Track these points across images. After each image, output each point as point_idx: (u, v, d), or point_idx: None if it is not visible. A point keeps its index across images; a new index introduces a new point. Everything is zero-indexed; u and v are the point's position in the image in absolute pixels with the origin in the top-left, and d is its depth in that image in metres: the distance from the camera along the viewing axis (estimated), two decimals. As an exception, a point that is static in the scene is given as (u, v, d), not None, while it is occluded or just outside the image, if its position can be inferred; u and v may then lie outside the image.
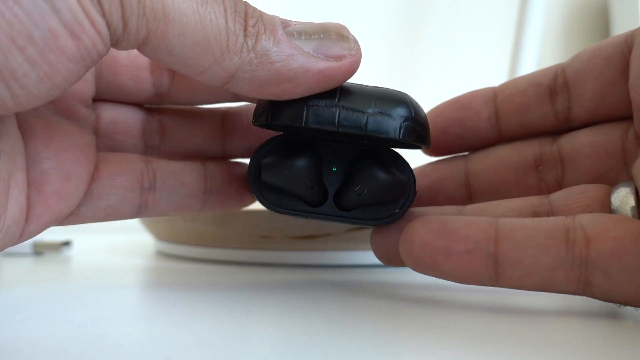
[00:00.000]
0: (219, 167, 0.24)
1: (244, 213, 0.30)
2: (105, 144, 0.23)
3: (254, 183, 0.21)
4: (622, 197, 0.19)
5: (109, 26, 0.16)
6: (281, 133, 0.21)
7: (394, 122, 0.19)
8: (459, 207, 0.23)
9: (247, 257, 0.30)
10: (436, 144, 0.25)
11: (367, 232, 0.28)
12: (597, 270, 0.17)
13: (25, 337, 0.16)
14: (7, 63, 0.15)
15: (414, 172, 0.21)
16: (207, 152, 0.25)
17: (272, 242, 0.29)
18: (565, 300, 0.21)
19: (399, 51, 0.59)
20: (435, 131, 0.25)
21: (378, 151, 0.21)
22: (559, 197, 0.21)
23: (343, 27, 0.19)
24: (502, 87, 0.24)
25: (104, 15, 0.16)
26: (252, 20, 0.17)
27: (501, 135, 0.24)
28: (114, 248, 0.38)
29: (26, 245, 0.34)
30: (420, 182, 0.25)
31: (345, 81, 0.19)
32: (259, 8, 0.18)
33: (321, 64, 0.18)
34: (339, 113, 0.19)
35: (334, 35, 0.19)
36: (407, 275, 0.26)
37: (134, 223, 0.38)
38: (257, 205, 0.30)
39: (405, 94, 0.20)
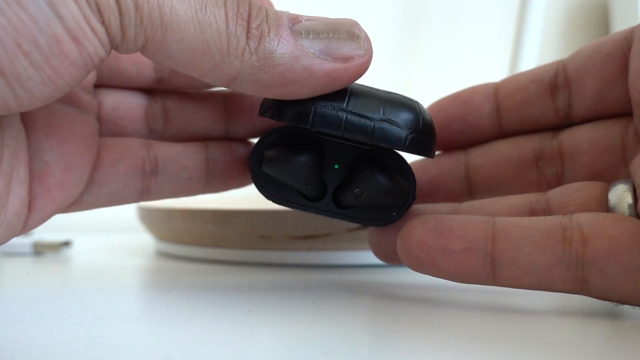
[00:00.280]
0: (221, 148, 0.24)
1: (244, 213, 0.30)
2: (109, 129, 0.23)
3: (255, 173, 0.21)
4: (620, 194, 0.19)
5: (108, 33, 0.16)
6: (285, 125, 0.21)
7: (401, 132, 0.19)
8: (456, 205, 0.23)
9: (247, 257, 0.30)
10: (437, 138, 0.25)
11: (367, 232, 0.29)
12: (593, 269, 0.17)
13: (25, 337, 0.16)
14: (13, 67, 0.15)
15: (414, 167, 0.21)
16: (211, 134, 0.25)
17: (272, 242, 0.29)
18: (564, 301, 0.21)
19: (399, 48, 0.59)
20: (436, 126, 0.25)
21: (382, 152, 0.21)
22: (556, 194, 0.21)
23: (354, 24, 0.19)
24: (503, 83, 0.24)
25: (103, 23, 0.16)
26: (255, 22, 0.17)
27: (502, 131, 0.24)
28: (114, 248, 0.38)
29: (26, 245, 0.34)
30: (420, 176, 0.25)
31: (352, 82, 0.18)
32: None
33: (327, 66, 0.18)
34: (346, 118, 0.18)
35: (344, 34, 0.18)
36: (407, 275, 0.26)
37: (134, 223, 0.38)
38: (257, 205, 0.30)
39: (416, 102, 0.20)
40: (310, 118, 0.18)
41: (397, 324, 0.18)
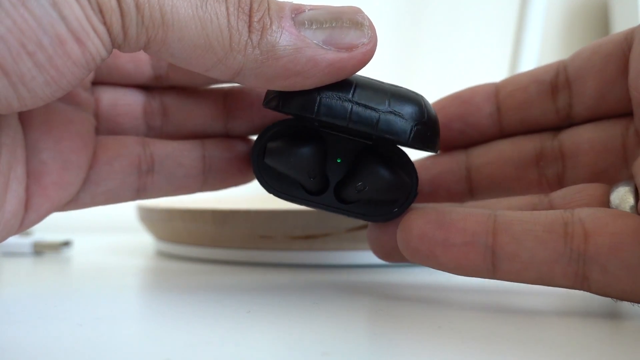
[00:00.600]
0: (218, 145, 0.24)
1: (244, 213, 0.30)
2: (107, 126, 0.23)
3: (257, 165, 0.21)
4: (622, 195, 0.19)
5: (110, 34, 0.16)
6: (289, 117, 0.21)
7: (406, 125, 0.19)
8: (458, 205, 0.23)
9: (247, 257, 0.30)
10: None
11: (367, 230, 0.29)
12: (594, 265, 0.17)
13: (25, 337, 0.16)
14: (17, 68, 0.15)
15: (415, 166, 0.21)
16: (210, 132, 0.24)
17: (272, 242, 0.29)
18: (565, 300, 0.21)
19: (399, 48, 0.59)
20: None
21: (385, 148, 0.21)
22: (558, 195, 0.21)
23: (358, 12, 0.18)
24: (504, 83, 0.24)
25: (105, 24, 0.16)
26: (257, 15, 0.17)
27: (502, 131, 0.24)
28: (114, 248, 0.38)
29: (26, 245, 0.34)
30: (421, 176, 0.24)
31: (357, 71, 0.18)
32: None
33: (330, 56, 0.17)
34: (352, 108, 0.18)
35: (347, 23, 0.18)
36: (407, 275, 0.26)
37: (134, 223, 0.38)
38: (257, 205, 0.30)
39: (421, 96, 0.20)
40: (316, 108, 0.18)
41: (397, 324, 0.18)
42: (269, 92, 0.20)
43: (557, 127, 0.24)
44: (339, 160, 0.21)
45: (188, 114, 0.24)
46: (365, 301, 0.21)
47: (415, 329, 0.17)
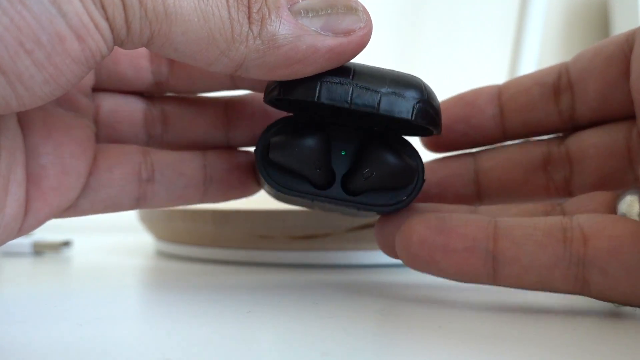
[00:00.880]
0: (220, 156, 0.24)
1: (244, 213, 0.30)
2: (107, 134, 0.23)
3: (261, 162, 0.20)
4: (629, 203, 0.20)
5: (112, 29, 0.16)
6: (290, 115, 0.21)
7: (407, 103, 0.19)
8: (472, 208, 0.23)
9: (247, 257, 0.30)
10: (441, 140, 0.25)
11: (367, 232, 0.29)
12: (594, 268, 0.18)
13: (25, 337, 0.16)
14: (15, 66, 0.15)
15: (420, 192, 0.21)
16: (211, 141, 0.24)
17: (272, 242, 0.29)
18: (565, 300, 0.21)
19: (399, 50, 0.59)
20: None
21: (388, 137, 0.20)
22: (570, 203, 0.22)
23: None
24: (507, 85, 0.24)
25: (107, 19, 0.16)
26: (255, 6, 0.17)
27: (505, 134, 0.24)
28: (114, 248, 0.38)
29: (26, 245, 0.34)
30: (428, 178, 0.24)
31: (356, 55, 0.18)
32: None
33: (330, 42, 0.18)
34: (352, 90, 0.18)
35: (342, 9, 0.18)
36: (407, 275, 0.26)
37: (134, 223, 0.38)
38: (257, 205, 0.30)
39: (419, 78, 0.20)
40: (317, 92, 0.18)
41: (397, 324, 0.18)
42: (268, 85, 0.20)
43: (560, 130, 0.24)
44: (343, 152, 0.20)
45: (189, 122, 0.24)
46: (365, 301, 0.21)
47: (415, 329, 0.17)
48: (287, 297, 0.22)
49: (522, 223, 0.19)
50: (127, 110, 0.24)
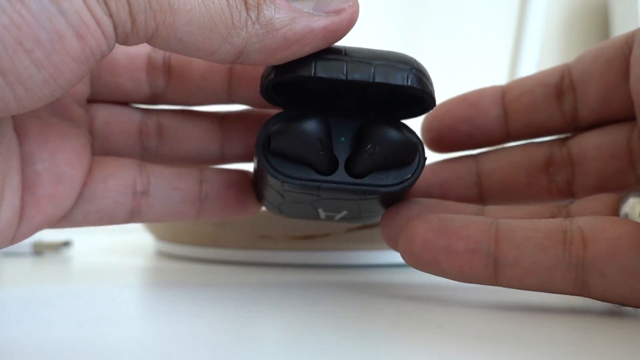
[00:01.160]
0: (217, 173, 0.24)
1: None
2: (102, 145, 0.23)
3: (263, 154, 0.20)
4: (631, 205, 0.20)
5: (116, 25, 0.16)
6: (287, 111, 0.21)
7: (401, 72, 0.19)
8: (479, 207, 0.23)
9: (247, 257, 0.30)
10: (444, 140, 0.25)
11: (367, 232, 0.29)
12: (593, 270, 0.18)
13: (25, 337, 0.16)
14: (13, 66, 0.15)
15: (423, 171, 0.21)
16: (206, 155, 0.24)
17: (272, 242, 0.29)
18: (565, 300, 0.21)
19: (399, 48, 0.59)
20: (444, 128, 0.25)
21: (386, 118, 0.20)
22: (575, 205, 0.22)
23: None
24: (510, 86, 0.24)
25: (110, 15, 0.16)
26: None
27: (509, 135, 0.24)
28: (114, 248, 0.38)
29: (26, 245, 0.34)
30: (430, 180, 0.24)
31: (348, 32, 0.19)
32: None
33: (323, 21, 0.18)
34: (347, 64, 0.19)
35: None
36: (407, 275, 0.26)
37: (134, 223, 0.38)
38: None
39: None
40: (313, 67, 0.19)
41: (397, 324, 0.18)
42: (263, 75, 0.20)
43: (563, 131, 0.24)
44: (343, 139, 0.20)
45: (184, 136, 0.24)
46: (365, 301, 0.21)
47: (415, 328, 0.17)
48: (287, 297, 0.22)
49: (523, 225, 0.19)
50: (122, 121, 0.24)
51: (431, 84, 0.20)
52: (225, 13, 0.17)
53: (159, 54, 0.23)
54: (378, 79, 0.19)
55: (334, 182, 0.20)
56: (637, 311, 0.19)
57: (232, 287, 0.24)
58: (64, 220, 0.21)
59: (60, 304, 0.21)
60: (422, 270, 0.20)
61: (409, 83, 0.19)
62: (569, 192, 0.23)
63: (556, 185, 0.23)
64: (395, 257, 0.27)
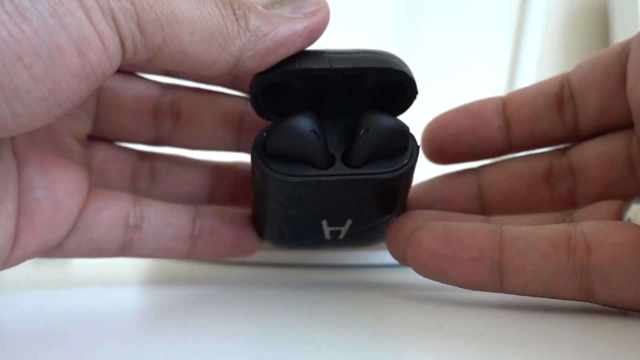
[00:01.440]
0: (212, 212, 0.24)
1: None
2: (96, 180, 0.24)
3: (259, 157, 0.20)
4: (635, 211, 0.20)
5: (124, 40, 0.16)
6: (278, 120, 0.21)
7: (382, 58, 0.20)
8: (485, 218, 0.23)
9: (247, 257, 0.30)
10: (448, 152, 0.25)
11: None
12: (597, 276, 0.18)
13: (25, 338, 0.16)
14: (11, 81, 0.15)
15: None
16: (194, 200, 0.25)
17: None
18: (565, 301, 0.21)
19: (399, 49, 0.59)
20: (447, 139, 0.24)
21: (375, 110, 0.21)
22: (579, 213, 0.22)
23: None
24: (511, 97, 0.24)
25: (117, 28, 0.16)
26: (235, 4, 0.18)
27: (511, 146, 0.24)
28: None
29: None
30: (432, 195, 0.25)
31: (324, 31, 0.20)
32: None
33: (303, 23, 0.19)
34: (330, 57, 0.20)
35: None
36: (407, 275, 0.26)
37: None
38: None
39: None
40: (298, 61, 0.20)
41: (397, 324, 0.18)
42: (251, 84, 0.20)
43: (564, 141, 0.24)
44: (336, 137, 0.21)
45: (175, 180, 0.25)
46: (365, 301, 0.21)
47: (415, 328, 0.17)
48: (287, 297, 0.22)
49: (526, 232, 0.19)
50: (119, 161, 0.24)
51: (410, 71, 0.21)
52: (221, 24, 0.18)
53: (168, 98, 0.24)
54: (360, 65, 0.20)
55: (333, 175, 0.20)
56: None
57: (232, 287, 0.24)
58: (57, 249, 0.22)
59: (61, 305, 0.21)
60: (429, 278, 0.20)
61: (393, 66, 0.20)
62: (571, 201, 0.23)
63: (558, 195, 0.24)
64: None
